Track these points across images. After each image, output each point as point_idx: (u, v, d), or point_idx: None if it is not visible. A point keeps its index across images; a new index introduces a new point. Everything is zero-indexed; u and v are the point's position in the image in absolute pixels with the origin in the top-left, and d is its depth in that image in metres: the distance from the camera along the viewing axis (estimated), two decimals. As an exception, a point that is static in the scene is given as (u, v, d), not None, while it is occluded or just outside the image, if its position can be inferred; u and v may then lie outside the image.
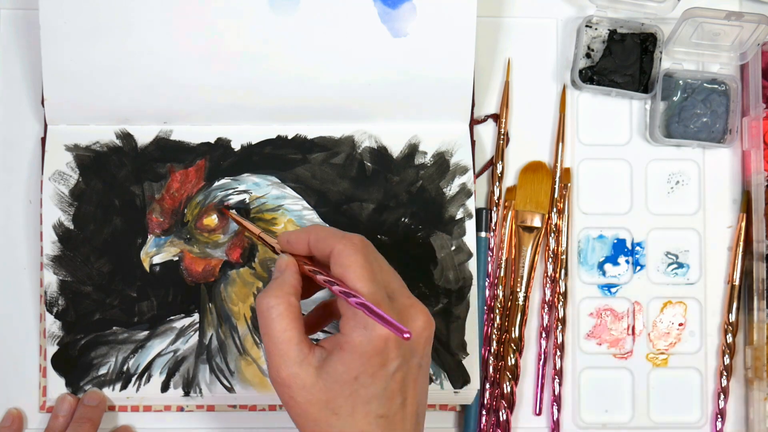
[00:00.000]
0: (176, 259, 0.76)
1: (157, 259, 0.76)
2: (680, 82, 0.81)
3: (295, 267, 0.64)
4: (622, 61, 0.81)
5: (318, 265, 0.64)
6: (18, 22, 0.80)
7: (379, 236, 0.77)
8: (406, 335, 0.57)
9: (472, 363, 0.76)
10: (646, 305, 0.81)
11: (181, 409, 0.77)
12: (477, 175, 0.80)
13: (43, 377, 0.76)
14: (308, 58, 0.76)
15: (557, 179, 0.80)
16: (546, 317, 0.80)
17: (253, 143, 0.78)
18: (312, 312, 0.69)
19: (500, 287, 0.79)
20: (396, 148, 0.78)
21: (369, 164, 0.78)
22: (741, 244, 0.81)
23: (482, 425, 0.78)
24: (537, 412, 0.80)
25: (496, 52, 0.82)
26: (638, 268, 0.81)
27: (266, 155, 0.78)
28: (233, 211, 0.76)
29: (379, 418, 0.61)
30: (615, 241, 0.81)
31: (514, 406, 0.79)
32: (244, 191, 0.77)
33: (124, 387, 0.75)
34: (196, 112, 0.77)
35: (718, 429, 0.80)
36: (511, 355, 0.78)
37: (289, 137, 0.78)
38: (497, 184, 0.80)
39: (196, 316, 0.76)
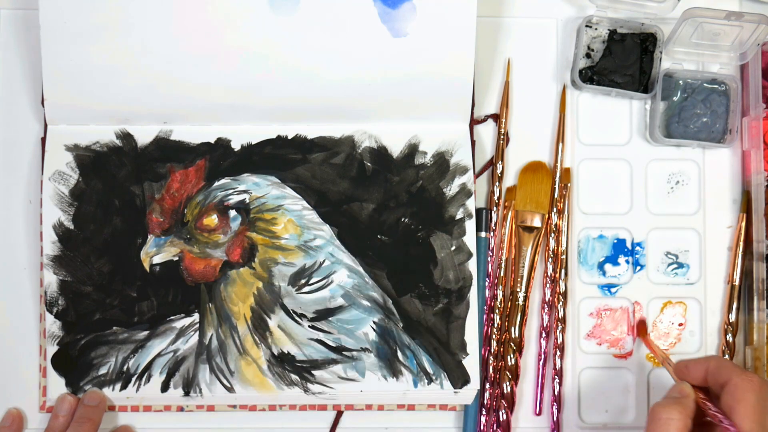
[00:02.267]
0: (176, 259, 0.76)
1: (157, 259, 0.76)
2: (680, 82, 0.81)
3: (692, 396, 0.67)
4: (622, 61, 0.81)
5: (709, 398, 0.66)
6: (18, 22, 0.80)
7: (379, 236, 0.77)
8: None
9: (472, 363, 0.76)
10: (646, 305, 0.81)
11: (181, 409, 0.77)
12: (477, 175, 0.80)
13: (43, 377, 0.76)
14: (308, 58, 0.76)
15: (557, 179, 0.80)
16: (546, 317, 0.80)
17: (253, 143, 0.78)
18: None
19: (500, 287, 0.79)
20: (396, 148, 0.78)
21: (369, 164, 0.78)
22: (741, 244, 0.81)
23: (482, 425, 0.78)
24: (537, 412, 0.80)
25: (496, 52, 0.82)
26: (638, 268, 0.81)
27: (266, 155, 0.78)
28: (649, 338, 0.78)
29: None
30: (615, 241, 0.81)
31: (514, 406, 0.79)
32: (244, 191, 0.77)
33: (124, 387, 0.75)
34: (196, 112, 0.77)
35: (718, 429, 0.80)
36: (511, 355, 0.78)
37: (289, 137, 0.78)
38: (497, 184, 0.80)
39: (196, 316, 0.76)
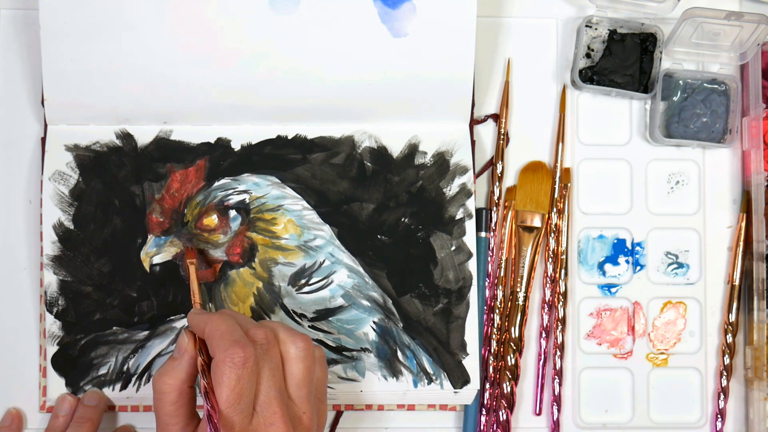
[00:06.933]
0: (178, 262, 0.76)
1: (157, 259, 0.76)
2: (680, 82, 0.81)
3: (191, 354, 0.65)
4: (622, 61, 0.81)
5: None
6: (18, 22, 0.80)
7: (379, 236, 0.77)
8: None
9: (472, 363, 0.76)
10: (646, 305, 0.81)
11: (181, 409, 0.77)
12: (477, 175, 0.80)
13: (43, 377, 0.76)
14: (308, 58, 0.76)
15: (557, 179, 0.80)
16: (546, 317, 0.80)
17: (253, 143, 0.78)
18: None
19: (500, 287, 0.79)
20: (396, 148, 0.78)
21: (369, 164, 0.78)
22: (741, 244, 0.81)
23: (482, 425, 0.78)
24: (537, 412, 0.80)
25: (496, 52, 0.82)
26: (638, 268, 0.81)
27: (266, 155, 0.78)
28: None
29: None
30: (615, 241, 0.81)
31: (514, 406, 0.79)
32: (244, 191, 0.77)
33: (124, 387, 0.75)
34: (196, 112, 0.77)
35: (718, 429, 0.80)
36: (511, 355, 0.78)
37: (289, 137, 0.78)
38: (497, 184, 0.80)
39: (196, 316, 0.76)
